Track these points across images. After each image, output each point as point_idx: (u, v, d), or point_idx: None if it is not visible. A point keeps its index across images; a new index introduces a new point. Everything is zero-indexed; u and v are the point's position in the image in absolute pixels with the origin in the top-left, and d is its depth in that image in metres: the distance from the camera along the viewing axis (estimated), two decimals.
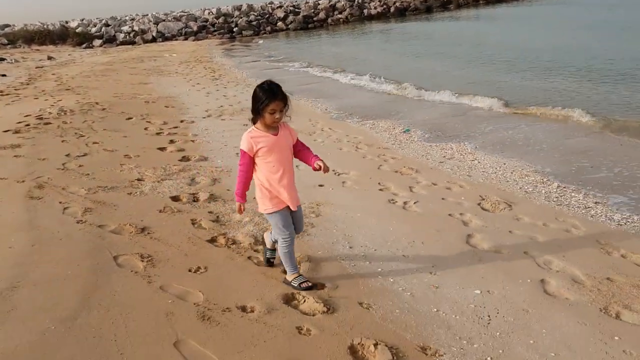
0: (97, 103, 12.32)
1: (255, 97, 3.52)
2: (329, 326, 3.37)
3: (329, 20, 50.68)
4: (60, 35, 41.63)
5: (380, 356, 3.06)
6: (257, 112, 3.53)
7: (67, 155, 7.55)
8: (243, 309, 3.55)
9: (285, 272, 3.97)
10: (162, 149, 8.23)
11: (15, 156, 7.36)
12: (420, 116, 10.78)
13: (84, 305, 3.45)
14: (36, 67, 23.26)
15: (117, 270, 3.99)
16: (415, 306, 3.66)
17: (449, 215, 5.43)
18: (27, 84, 16.92)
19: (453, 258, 4.40)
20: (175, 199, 5.82)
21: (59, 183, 6.14)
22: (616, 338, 3.31)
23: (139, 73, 20.13)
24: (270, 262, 4.17)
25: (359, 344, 3.19)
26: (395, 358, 3.05)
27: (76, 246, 4.39)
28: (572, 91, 11.73)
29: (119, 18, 52.43)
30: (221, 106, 12.34)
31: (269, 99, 3.44)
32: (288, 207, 3.70)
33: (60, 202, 5.46)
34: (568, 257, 4.42)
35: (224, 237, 4.76)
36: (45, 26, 45.46)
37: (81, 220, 4.97)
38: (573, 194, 6.09)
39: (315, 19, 50.34)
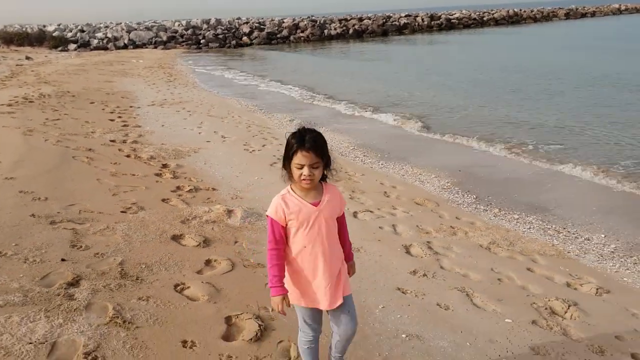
0: (68, 92, 16.16)
1: (286, 145, 2.65)
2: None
3: (292, 37, 55.12)
4: (37, 38, 45.07)
5: None
6: (285, 165, 2.66)
7: (46, 119, 11.39)
8: (132, 175, 7.55)
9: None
10: (111, 120, 12.15)
11: (11, 117, 11.19)
12: (313, 113, 14.97)
13: (57, 167, 7.37)
14: (16, 65, 26.81)
15: (74, 160, 7.92)
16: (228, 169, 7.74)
17: (274, 156, 9.49)
18: (11, 77, 20.56)
19: (264, 171, 8.46)
20: (112, 141, 9.78)
21: (41, 130, 10.01)
22: None
23: (106, 74, 23.92)
24: None
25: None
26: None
27: (53, 151, 8.31)
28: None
29: (94, 25, 55.96)
30: (165, 99, 16.30)
31: (295, 148, 2.57)
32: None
33: (43, 137, 9.35)
34: None
35: (135, 155, 8.74)
36: (24, 29, 48.74)
37: (55, 144, 8.88)
38: (357, 153, 10.22)
39: (278, 35, 54.70)
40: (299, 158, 2.58)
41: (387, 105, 15.51)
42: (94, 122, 11.50)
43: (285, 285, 2.73)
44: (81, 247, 4.78)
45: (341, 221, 2.88)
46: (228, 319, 3.82)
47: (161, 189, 6.92)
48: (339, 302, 2.76)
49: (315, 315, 2.87)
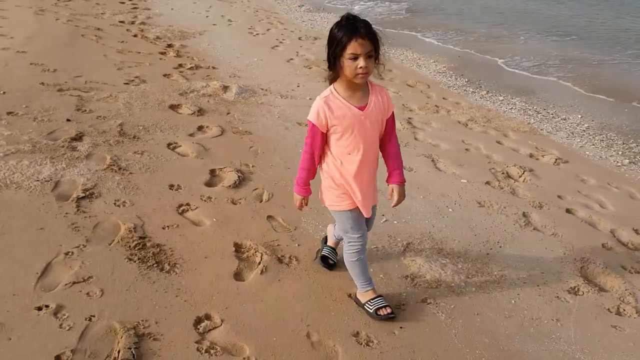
0: None
1: (329, 39, 2.40)
2: None
3: None
4: None
5: None
6: (333, 62, 2.42)
7: (58, 0, 11.60)
8: (138, 52, 7.89)
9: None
10: (122, 2, 12.25)
11: None
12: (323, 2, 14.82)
13: (66, 44, 7.73)
14: None
15: (83, 38, 8.25)
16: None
17: (276, 39, 9.69)
18: None
19: (264, 53, 8.71)
20: (121, 21, 10.01)
21: (52, 10, 10.25)
22: None
23: None
24: (326, 261, 3.11)
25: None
26: None
27: (63, 29, 8.62)
28: None
29: None
30: None
31: (347, 37, 2.31)
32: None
33: (54, 17, 9.63)
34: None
35: (142, 35, 9.02)
36: None
37: (65, 23, 9.17)
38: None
39: None
40: (354, 47, 2.31)
41: None
42: (104, 4, 11.65)
43: (327, 188, 2.69)
44: (85, 110, 5.26)
45: (390, 124, 2.65)
46: (212, 171, 4.34)
47: (164, 66, 7.29)
48: (370, 212, 2.72)
49: (359, 216, 2.69)
